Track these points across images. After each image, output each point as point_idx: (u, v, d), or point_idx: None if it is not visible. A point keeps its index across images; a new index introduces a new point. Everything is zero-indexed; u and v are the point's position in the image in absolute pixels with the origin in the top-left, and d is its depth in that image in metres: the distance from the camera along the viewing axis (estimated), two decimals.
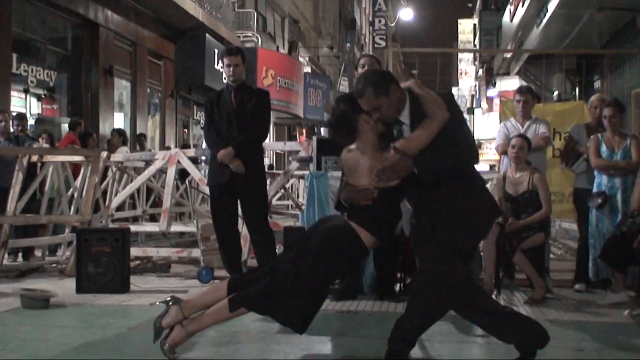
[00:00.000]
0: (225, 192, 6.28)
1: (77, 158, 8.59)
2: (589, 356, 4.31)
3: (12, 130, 9.15)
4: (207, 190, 6.85)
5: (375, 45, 41.09)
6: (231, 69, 6.28)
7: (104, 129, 14.53)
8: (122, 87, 16.68)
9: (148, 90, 17.90)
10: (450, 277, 3.82)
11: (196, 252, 7.40)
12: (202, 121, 17.69)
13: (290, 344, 4.34)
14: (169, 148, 15.24)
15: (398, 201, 4.08)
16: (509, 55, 26.50)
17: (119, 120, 16.34)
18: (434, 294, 3.87)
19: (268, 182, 7.55)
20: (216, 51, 18.69)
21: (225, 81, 6.85)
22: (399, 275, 6.30)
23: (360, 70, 6.23)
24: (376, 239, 3.95)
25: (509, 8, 25.17)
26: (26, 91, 13.33)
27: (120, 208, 9.31)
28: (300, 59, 29.87)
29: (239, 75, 6.33)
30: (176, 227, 8.47)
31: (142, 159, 9.49)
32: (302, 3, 32.80)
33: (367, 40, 49.65)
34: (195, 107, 21.14)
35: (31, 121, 12.64)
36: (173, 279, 7.35)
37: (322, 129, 27.72)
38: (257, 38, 24.41)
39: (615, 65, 16.47)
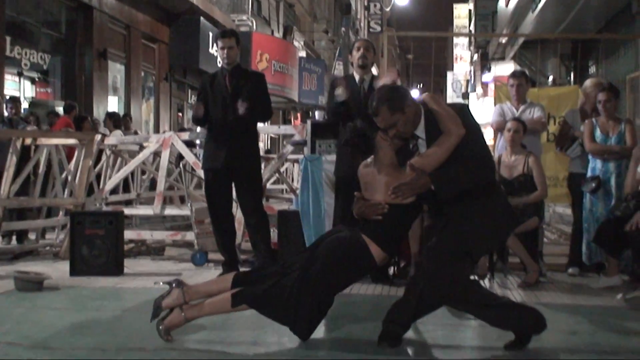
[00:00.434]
0: (220, 176, 6.25)
1: (71, 141, 8.56)
2: (582, 339, 4.34)
3: (5, 113, 9.11)
4: (201, 173, 6.84)
5: (371, 30, 40.86)
6: (225, 51, 6.23)
7: (98, 112, 14.44)
8: (116, 71, 16.58)
9: (142, 74, 17.79)
10: (453, 281, 3.84)
11: (190, 235, 7.41)
12: None
13: (284, 326, 4.34)
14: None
15: (412, 219, 4.11)
16: (504, 40, 26.51)
17: (113, 104, 16.24)
18: (434, 294, 3.90)
19: (263, 165, 7.54)
20: (211, 35, 18.57)
21: (219, 64, 6.81)
22: (392, 259, 6.31)
23: (355, 53, 6.18)
24: (386, 255, 3.97)
25: None
26: (20, 74, 13.23)
27: (114, 192, 9.29)
28: (295, 43, 29.74)
29: (233, 57, 6.29)
30: (170, 211, 8.45)
31: (136, 142, 9.46)
32: None
33: (362, 24, 49.42)
34: (189, 90, 21.04)
35: (25, 104, 12.57)
36: (167, 262, 7.36)
37: (316, 113, 27.75)
38: (252, 22, 24.29)
39: (610, 50, 16.47)
